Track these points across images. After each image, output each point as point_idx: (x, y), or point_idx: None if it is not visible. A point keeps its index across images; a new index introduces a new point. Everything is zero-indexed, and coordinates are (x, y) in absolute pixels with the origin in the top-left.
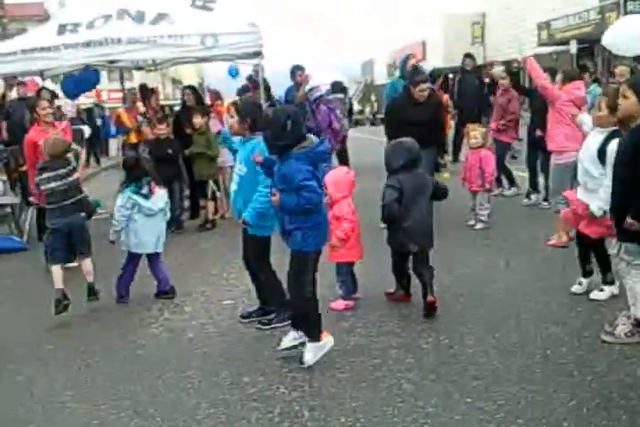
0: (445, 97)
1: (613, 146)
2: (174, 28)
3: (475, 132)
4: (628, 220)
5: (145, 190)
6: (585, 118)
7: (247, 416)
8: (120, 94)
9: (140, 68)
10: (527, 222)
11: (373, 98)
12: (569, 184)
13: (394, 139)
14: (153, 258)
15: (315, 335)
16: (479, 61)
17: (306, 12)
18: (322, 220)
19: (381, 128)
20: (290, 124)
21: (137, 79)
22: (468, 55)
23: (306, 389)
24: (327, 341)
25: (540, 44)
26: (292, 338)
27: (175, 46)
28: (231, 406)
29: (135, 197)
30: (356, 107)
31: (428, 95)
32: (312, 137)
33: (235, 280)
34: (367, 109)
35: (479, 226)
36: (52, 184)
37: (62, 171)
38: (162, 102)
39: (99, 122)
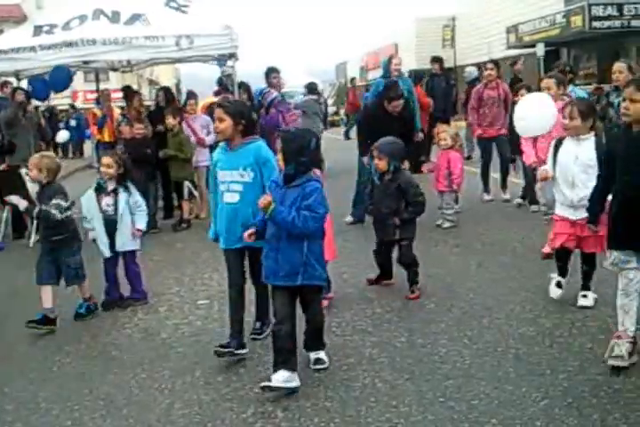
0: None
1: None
2: (149, 28)
3: (444, 134)
4: None
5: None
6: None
7: (221, 416)
8: (96, 95)
9: (114, 69)
10: (499, 222)
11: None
12: None
13: (365, 148)
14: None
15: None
16: (450, 64)
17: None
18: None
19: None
20: (314, 142)
21: (113, 80)
22: (435, 59)
23: (282, 391)
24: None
25: (509, 47)
26: (283, 380)
27: (150, 47)
28: (205, 407)
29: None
30: (331, 108)
31: (401, 109)
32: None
33: (210, 280)
34: (342, 111)
35: (446, 225)
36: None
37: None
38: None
39: (73, 123)
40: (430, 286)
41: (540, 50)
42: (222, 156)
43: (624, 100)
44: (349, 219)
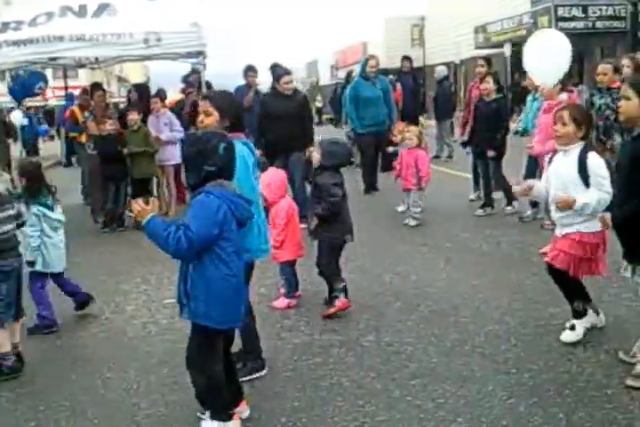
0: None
1: (594, 160)
2: (117, 25)
3: (409, 134)
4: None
5: (50, 201)
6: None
7: (187, 416)
8: (63, 92)
9: (82, 66)
10: (464, 221)
11: (319, 98)
12: None
13: (265, 132)
14: (60, 276)
15: (219, 418)
16: (419, 63)
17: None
18: (226, 293)
19: (326, 127)
20: (223, 147)
21: (82, 77)
22: (406, 58)
23: (247, 389)
24: (234, 425)
25: (477, 47)
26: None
27: (118, 44)
28: (171, 407)
29: (42, 209)
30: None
31: (294, 91)
32: (233, 184)
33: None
34: (313, 109)
35: (412, 223)
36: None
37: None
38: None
39: (25, 122)
40: (397, 284)
41: (508, 50)
42: None
43: (619, 99)
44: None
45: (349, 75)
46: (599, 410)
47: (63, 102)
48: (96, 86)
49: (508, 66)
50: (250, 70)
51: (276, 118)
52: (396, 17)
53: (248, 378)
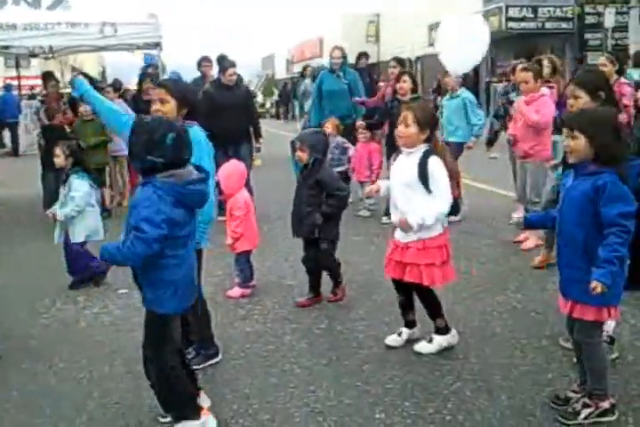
0: None
1: (434, 165)
2: (73, 15)
3: (362, 128)
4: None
5: (96, 176)
6: None
7: (139, 404)
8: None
9: (34, 55)
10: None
11: (276, 91)
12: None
13: (211, 124)
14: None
15: (184, 416)
16: (374, 59)
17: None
18: (177, 279)
19: (282, 122)
20: (171, 138)
21: (35, 67)
22: (363, 54)
23: (199, 376)
24: (205, 421)
25: (431, 44)
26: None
27: (73, 34)
28: (123, 396)
29: (92, 183)
30: (259, 100)
31: (236, 82)
32: (193, 171)
33: (129, 269)
34: (269, 103)
35: (366, 214)
36: None
37: None
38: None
39: None
40: (350, 273)
41: None
42: None
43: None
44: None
45: (305, 69)
46: (540, 393)
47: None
48: (49, 76)
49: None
50: (204, 60)
51: (222, 109)
52: (352, 13)
53: (202, 366)
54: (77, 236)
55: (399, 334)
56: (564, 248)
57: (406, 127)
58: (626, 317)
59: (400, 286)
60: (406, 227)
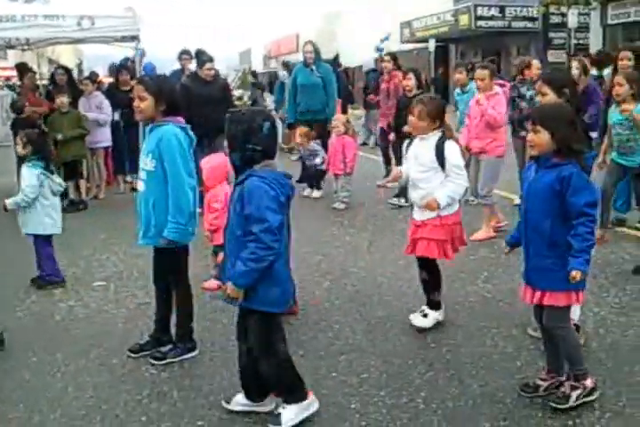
0: None
1: (450, 149)
2: (50, 7)
3: (336, 122)
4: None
5: (52, 167)
6: None
7: (115, 398)
8: None
9: (11, 47)
10: (387, 205)
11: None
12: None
13: (188, 117)
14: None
15: (296, 397)
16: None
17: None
18: (283, 274)
19: None
20: (267, 127)
21: (11, 58)
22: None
23: (176, 369)
24: (312, 401)
25: (403, 42)
26: (242, 403)
27: (50, 26)
28: (99, 389)
29: (46, 172)
30: (236, 93)
31: (214, 76)
32: (276, 163)
33: (106, 261)
34: (246, 97)
35: (341, 206)
36: None
37: None
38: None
39: None
40: (325, 264)
41: (432, 45)
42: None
43: (536, 94)
44: None
45: (286, 64)
46: (510, 380)
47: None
48: (24, 67)
49: (432, 60)
50: (184, 54)
51: (200, 103)
52: (328, 10)
53: (179, 359)
54: (31, 227)
55: (424, 315)
56: (531, 239)
57: (418, 119)
58: (590, 306)
59: (422, 263)
60: (433, 206)
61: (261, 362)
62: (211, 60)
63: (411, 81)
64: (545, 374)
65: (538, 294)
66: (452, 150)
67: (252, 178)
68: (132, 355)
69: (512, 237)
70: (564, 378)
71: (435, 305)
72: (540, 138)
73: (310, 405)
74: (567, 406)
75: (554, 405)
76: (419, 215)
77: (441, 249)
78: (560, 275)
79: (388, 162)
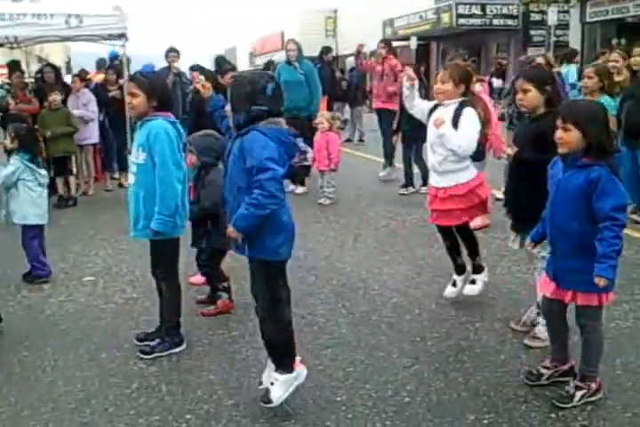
0: None
1: (467, 113)
2: (38, 6)
3: (321, 118)
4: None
5: (38, 159)
6: None
7: (104, 392)
8: None
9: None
10: (373, 201)
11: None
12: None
13: (197, 126)
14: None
15: (286, 365)
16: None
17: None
18: (289, 222)
19: None
20: (271, 88)
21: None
22: (327, 48)
23: (164, 363)
24: (300, 371)
25: (385, 39)
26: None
27: (38, 25)
28: (88, 383)
29: (31, 164)
30: None
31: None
32: (283, 121)
33: (95, 257)
34: None
35: (327, 202)
36: None
37: None
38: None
39: None
40: (311, 260)
41: (414, 43)
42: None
43: (517, 92)
44: None
45: (270, 63)
46: (494, 373)
47: None
48: (14, 66)
49: (414, 58)
50: (171, 51)
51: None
52: (311, 8)
53: (167, 353)
54: (19, 217)
55: (454, 285)
56: (558, 239)
57: (443, 84)
58: None
59: (444, 231)
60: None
61: (264, 322)
62: (233, 68)
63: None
64: (549, 362)
65: (570, 293)
66: (467, 114)
67: (253, 132)
68: (139, 343)
69: (536, 233)
70: (566, 367)
71: (477, 268)
72: (569, 136)
73: (295, 378)
74: (570, 405)
75: (557, 403)
76: (436, 181)
77: (465, 215)
78: (587, 278)
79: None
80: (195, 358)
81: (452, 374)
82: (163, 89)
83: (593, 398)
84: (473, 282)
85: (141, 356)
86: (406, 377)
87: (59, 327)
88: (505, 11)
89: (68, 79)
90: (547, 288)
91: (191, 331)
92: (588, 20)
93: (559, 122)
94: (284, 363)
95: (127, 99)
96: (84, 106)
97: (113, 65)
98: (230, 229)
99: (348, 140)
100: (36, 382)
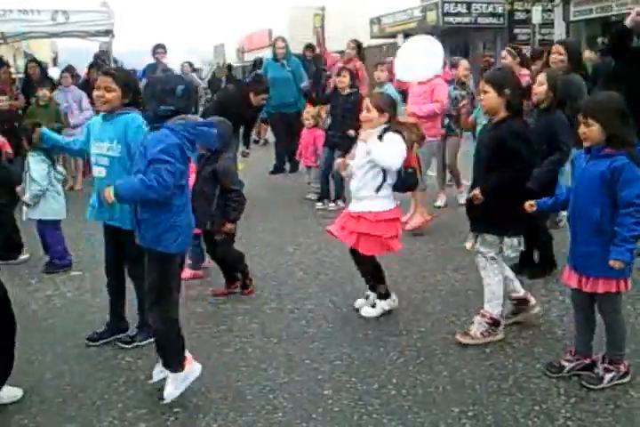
0: None
1: (389, 136)
2: (25, 2)
3: (307, 115)
4: (475, 191)
5: (53, 157)
6: None
7: (92, 386)
8: None
9: None
10: None
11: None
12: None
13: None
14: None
15: (176, 365)
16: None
17: None
18: (181, 222)
19: None
20: (181, 89)
21: None
22: (309, 46)
23: (152, 357)
24: (192, 369)
25: (372, 37)
26: (160, 370)
27: (25, 21)
28: (76, 377)
29: (49, 161)
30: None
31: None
32: (197, 117)
33: (82, 251)
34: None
35: (314, 197)
36: None
37: None
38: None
39: None
40: (299, 255)
41: (400, 41)
42: (98, 125)
43: (478, 93)
44: None
45: (258, 61)
46: (479, 367)
47: None
48: (1, 61)
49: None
50: (158, 48)
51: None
52: (299, 6)
53: (147, 342)
54: (39, 213)
55: (366, 297)
56: (579, 226)
57: (368, 112)
58: (555, 294)
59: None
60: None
61: (152, 312)
62: (267, 90)
63: (346, 78)
64: (570, 355)
65: (590, 280)
66: (389, 138)
67: (162, 129)
68: (92, 344)
69: (542, 204)
70: (588, 361)
71: (381, 295)
72: (591, 131)
73: (186, 377)
74: (600, 386)
75: (586, 384)
76: (353, 206)
77: (371, 245)
78: (605, 263)
79: None
80: None
81: (437, 367)
82: (137, 86)
83: (623, 381)
84: (373, 305)
85: (121, 345)
86: (392, 371)
87: (46, 322)
88: (490, 9)
89: (56, 72)
90: (569, 280)
91: (181, 324)
92: (572, 18)
93: (581, 118)
94: (171, 363)
95: (99, 92)
96: (75, 102)
97: (96, 62)
98: (109, 189)
99: None
100: (24, 377)
